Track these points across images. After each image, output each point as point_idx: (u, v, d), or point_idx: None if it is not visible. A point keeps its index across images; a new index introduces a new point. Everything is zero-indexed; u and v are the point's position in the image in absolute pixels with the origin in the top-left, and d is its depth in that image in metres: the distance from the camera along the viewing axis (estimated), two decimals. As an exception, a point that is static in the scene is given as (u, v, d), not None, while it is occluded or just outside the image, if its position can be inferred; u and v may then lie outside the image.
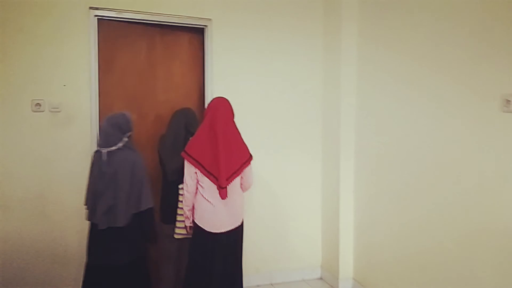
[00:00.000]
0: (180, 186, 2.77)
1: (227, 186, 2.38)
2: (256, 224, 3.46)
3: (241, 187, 2.58)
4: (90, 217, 2.51)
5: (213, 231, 2.44)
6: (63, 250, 3.04)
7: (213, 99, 2.64)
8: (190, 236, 2.62)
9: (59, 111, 2.98)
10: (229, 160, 2.40)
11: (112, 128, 2.49)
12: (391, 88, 2.89)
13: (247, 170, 2.53)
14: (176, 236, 2.82)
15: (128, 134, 2.55)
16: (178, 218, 2.80)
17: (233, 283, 2.54)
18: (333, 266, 3.47)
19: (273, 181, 3.54)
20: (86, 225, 2.97)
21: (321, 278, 3.67)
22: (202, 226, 2.46)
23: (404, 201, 2.78)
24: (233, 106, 2.58)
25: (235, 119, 2.58)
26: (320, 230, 3.69)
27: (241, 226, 2.57)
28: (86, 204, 2.57)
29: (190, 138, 2.64)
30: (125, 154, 2.48)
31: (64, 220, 3.03)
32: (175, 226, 2.81)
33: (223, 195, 2.39)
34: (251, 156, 2.56)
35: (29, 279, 2.96)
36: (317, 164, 3.65)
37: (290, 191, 3.60)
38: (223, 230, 2.44)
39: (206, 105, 3.26)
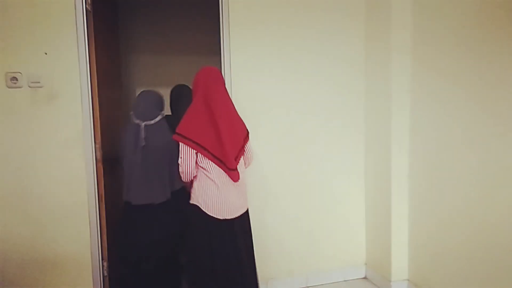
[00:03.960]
0: None
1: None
2: (288, 221, 2.90)
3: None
4: (126, 195, 2.39)
5: (227, 217, 2.13)
6: (56, 257, 2.48)
7: (201, 70, 2.23)
8: None
9: (40, 86, 2.39)
10: (233, 138, 2.13)
11: (150, 102, 2.43)
12: (449, 93, 2.23)
13: (249, 142, 2.28)
14: None
15: (163, 112, 2.48)
16: None
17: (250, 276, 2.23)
18: (383, 264, 2.87)
19: (305, 172, 2.92)
20: (81, 226, 2.49)
21: (365, 278, 3.08)
22: (209, 213, 2.12)
23: (475, 191, 2.15)
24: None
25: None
26: (364, 222, 3.08)
27: (247, 209, 2.29)
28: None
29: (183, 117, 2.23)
30: (162, 131, 2.38)
31: (53, 222, 2.46)
32: None
33: (234, 177, 2.13)
34: (247, 129, 2.29)
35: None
36: (358, 148, 3.01)
37: (326, 181, 2.97)
38: (235, 215, 2.16)
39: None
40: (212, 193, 2.11)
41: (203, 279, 2.13)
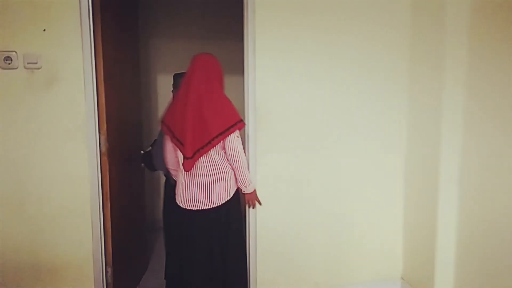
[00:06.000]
0: None
1: (202, 158, 2.11)
2: (314, 228, 2.56)
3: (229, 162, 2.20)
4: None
5: (182, 205, 2.21)
6: (55, 261, 2.21)
7: (193, 56, 2.22)
8: None
9: (38, 68, 2.08)
10: (202, 127, 2.06)
11: None
12: None
13: (229, 139, 2.11)
14: None
15: None
16: None
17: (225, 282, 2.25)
18: (423, 279, 2.51)
19: (334, 173, 2.56)
20: (82, 227, 2.21)
21: (401, 293, 2.73)
22: (176, 200, 2.25)
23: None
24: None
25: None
26: (402, 230, 2.72)
27: (223, 209, 2.18)
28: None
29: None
30: None
31: (53, 222, 2.18)
32: None
33: (186, 166, 2.07)
34: (238, 122, 2.13)
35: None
36: (398, 148, 2.63)
37: (358, 183, 2.61)
38: (195, 208, 2.16)
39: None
40: (180, 181, 2.22)
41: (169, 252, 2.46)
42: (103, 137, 2.24)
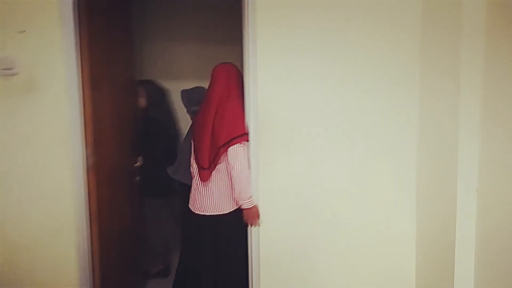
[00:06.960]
0: None
1: (214, 168, 2.17)
2: (318, 239, 2.35)
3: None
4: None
5: (192, 209, 2.28)
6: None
7: (215, 67, 2.28)
8: None
9: (14, 74, 1.87)
10: (214, 138, 2.12)
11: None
12: None
13: (232, 149, 2.08)
14: None
15: None
16: None
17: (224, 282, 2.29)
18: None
19: (340, 180, 2.35)
20: (67, 251, 1.98)
21: (413, 310, 2.52)
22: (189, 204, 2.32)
23: None
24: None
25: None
26: (414, 242, 2.52)
27: (231, 217, 2.21)
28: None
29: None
30: None
31: (34, 246, 1.96)
32: None
33: (203, 176, 2.17)
34: (243, 135, 2.09)
35: None
36: (409, 153, 2.44)
37: (366, 191, 2.41)
38: (204, 213, 2.23)
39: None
40: (192, 187, 2.29)
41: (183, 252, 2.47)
42: (89, 150, 2.02)
